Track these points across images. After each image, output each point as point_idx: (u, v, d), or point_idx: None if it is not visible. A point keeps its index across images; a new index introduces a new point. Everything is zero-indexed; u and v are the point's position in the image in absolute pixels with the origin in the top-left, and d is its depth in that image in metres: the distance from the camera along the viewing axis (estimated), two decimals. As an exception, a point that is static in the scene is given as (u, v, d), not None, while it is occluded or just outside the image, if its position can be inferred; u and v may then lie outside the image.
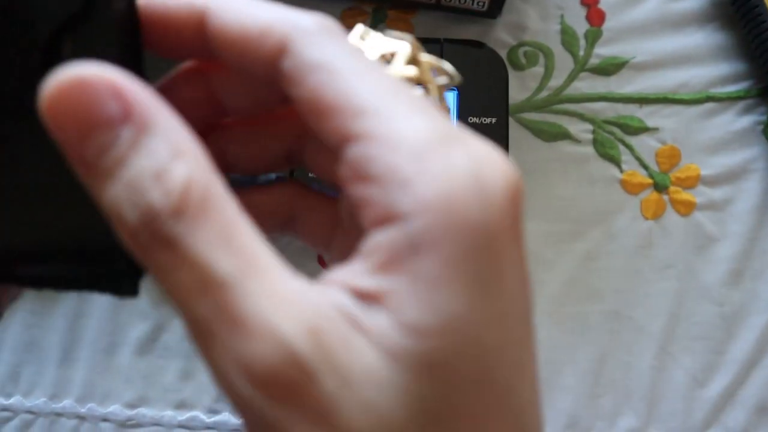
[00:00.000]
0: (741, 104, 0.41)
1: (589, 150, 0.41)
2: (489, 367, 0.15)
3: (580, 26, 0.43)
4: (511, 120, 0.41)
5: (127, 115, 0.15)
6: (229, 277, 0.15)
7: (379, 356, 0.15)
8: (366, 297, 0.16)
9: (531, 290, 0.17)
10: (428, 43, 0.39)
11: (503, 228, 0.16)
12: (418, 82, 0.21)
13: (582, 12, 0.42)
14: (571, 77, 0.42)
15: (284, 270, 0.15)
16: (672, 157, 0.41)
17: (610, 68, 0.42)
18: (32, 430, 0.40)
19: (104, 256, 0.16)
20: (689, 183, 0.41)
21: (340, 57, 0.17)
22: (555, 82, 0.42)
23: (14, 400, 0.39)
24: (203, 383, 0.39)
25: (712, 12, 0.42)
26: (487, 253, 0.15)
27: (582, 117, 0.41)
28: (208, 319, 0.15)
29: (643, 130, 0.41)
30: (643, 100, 0.42)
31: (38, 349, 0.39)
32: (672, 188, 0.41)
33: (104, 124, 0.15)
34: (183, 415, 0.40)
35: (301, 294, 0.15)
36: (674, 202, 0.41)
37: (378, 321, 0.15)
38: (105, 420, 0.40)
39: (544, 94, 0.42)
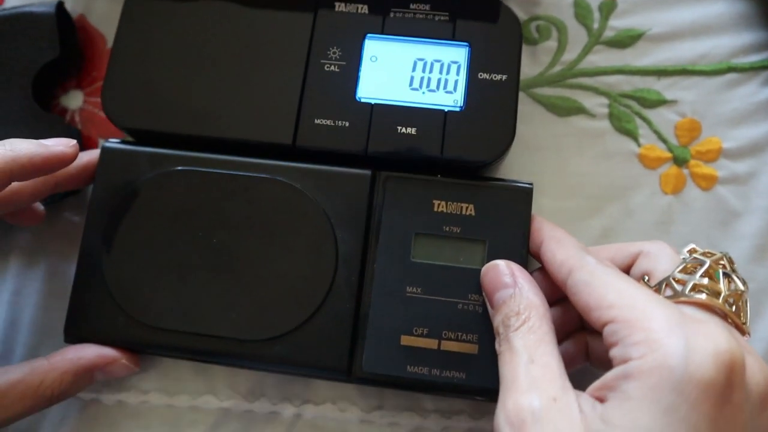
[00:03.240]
0: (765, 74, 0.48)
1: (605, 124, 0.48)
2: None
3: None
4: (523, 95, 0.49)
5: (514, 283, 0.38)
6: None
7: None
8: (596, 397, 0.32)
9: None
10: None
11: (705, 388, 0.29)
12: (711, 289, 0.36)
13: None
14: (586, 51, 0.48)
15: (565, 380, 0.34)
16: (692, 130, 0.47)
17: (625, 41, 0.48)
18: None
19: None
20: (710, 156, 0.46)
21: (602, 276, 0.36)
22: (568, 56, 0.50)
23: None
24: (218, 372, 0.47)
25: None
26: (679, 396, 0.29)
27: (597, 91, 0.47)
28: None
29: (662, 102, 0.48)
30: (660, 73, 0.48)
31: (55, 331, 0.47)
32: (692, 162, 0.46)
33: (504, 286, 0.39)
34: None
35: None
36: (695, 176, 0.46)
37: (593, 408, 0.32)
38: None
39: (557, 68, 0.48)
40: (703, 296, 0.35)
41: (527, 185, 0.43)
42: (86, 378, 0.42)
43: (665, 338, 0.31)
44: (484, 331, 0.41)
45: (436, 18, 0.46)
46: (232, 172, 0.44)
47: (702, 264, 0.37)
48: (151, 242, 0.44)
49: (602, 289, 0.35)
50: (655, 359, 0.30)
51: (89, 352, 0.42)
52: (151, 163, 0.45)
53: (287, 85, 0.46)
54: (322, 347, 0.41)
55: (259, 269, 0.43)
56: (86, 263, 0.44)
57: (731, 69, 0.49)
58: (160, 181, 0.44)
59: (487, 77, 0.45)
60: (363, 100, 0.45)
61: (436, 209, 0.42)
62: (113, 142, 0.46)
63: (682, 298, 0.35)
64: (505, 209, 0.42)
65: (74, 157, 0.42)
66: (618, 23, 0.51)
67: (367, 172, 0.44)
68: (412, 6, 0.47)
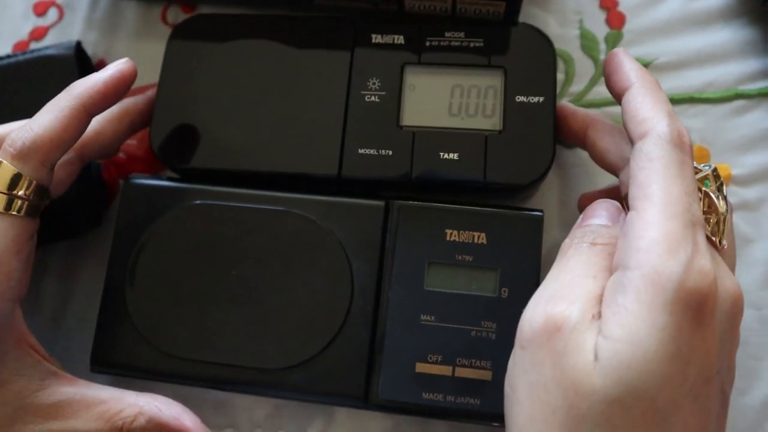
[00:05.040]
0: (772, 100, 0.49)
1: (614, 154, 0.48)
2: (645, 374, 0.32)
3: (600, 30, 0.52)
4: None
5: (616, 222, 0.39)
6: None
7: (593, 354, 0.32)
8: (593, 315, 0.34)
9: (701, 369, 0.33)
10: (476, 26, 0.50)
11: (686, 311, 0.32)
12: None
13: (601, 15, 0.52)
14: (593, 82, 0.51)
15: None
16: (700, 158, 0.50)
17: None
18: None
19: None
20: (720, 183, 0.47)
21: (665, 160, 0.35)
22: (576, 87, 0.52)
23: None
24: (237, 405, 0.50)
25: (737, 8, 0.52)
26: (670, 317, 0.32)
27: (605, 121, 0.49)
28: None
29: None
30: (668, 101, 0.48)
31: (80, 367, 0.49)
32: (702, 189, 0.47)
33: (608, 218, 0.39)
34: None
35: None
36: (705, 204, 0.47)
37: (594, 330, 0.33)
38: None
39: (565, 100, 0.50)
40: None
41: (538, 213, 0.45)
42: (156, 429, 0.44)
43: (667, 263, 0.32)
44: (498, 358, 0.43)
45: (471, 44, 0.49)
46: (249, 206, 0.47)
47: None
48: (172, 274, 0.46)
49: (653, 176, 0.35)
50: (652, 278, 0.32)
51: (172, 412, 0.43)
52: (171, 198, 0.48)
53: (330, 117, 0.48)
54: (340, 375, 0.44)
55: (277, 300, 0.45)
56: (111, 295, 0.47)
57: (738, 96, 0.52)
58: (180, 215, 0.47)
59: (525, 100, 0.47)
60: (405, 128, 0.48)
61: (448, 238, 0.45)
62: (135, 177, 0.49)
63: None
64: (516, 237, 0.44)
65: (133, 71, 0.45)
66: (625, 54, 0.53)
67: (381, 202, 0.46)
68: (446, 34, 0.49)
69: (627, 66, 0.41)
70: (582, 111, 0.46)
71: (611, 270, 0.35)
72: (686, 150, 0.36)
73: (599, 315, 0.34)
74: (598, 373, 0.32)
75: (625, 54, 0.42)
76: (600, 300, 0.34)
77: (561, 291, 0.36)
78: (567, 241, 0.39)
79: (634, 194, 0.36)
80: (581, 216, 0.41)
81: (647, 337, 0.32)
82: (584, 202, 0.48)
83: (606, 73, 0.43)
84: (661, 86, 0.40)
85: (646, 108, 0.38)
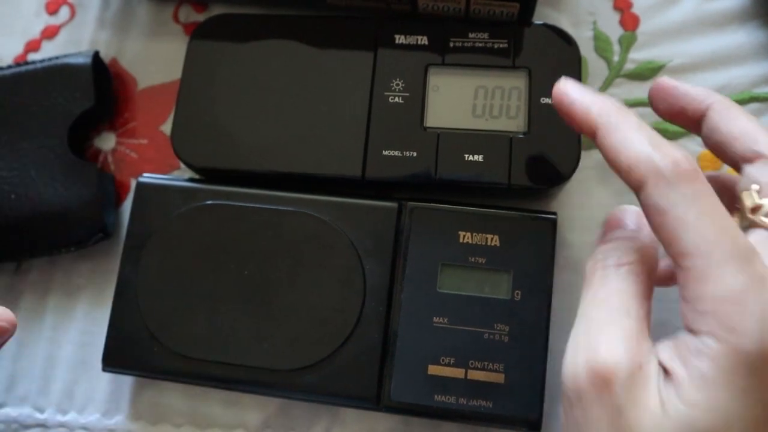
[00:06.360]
0: (787, 103, 0.49)
1: (628, 156, 0.48)
2: None
3: (614, 31, 0.52)
4: (546, 129, 0.49)
5: (638, 229, 0.38)
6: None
7: (662, 410, 0.31)
8: (665, 370, 0.32)
9: None
10: (500, 27, 0.50)
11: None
12: None
13: (615, 17, 0.52)
14: (606, 84, 0.51)
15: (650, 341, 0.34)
16: (715, 161, 0.50)
17: (646, 73, 0.51)
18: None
19: None
20: (736, 187, 0.47)
21: (679, 205, 0.32)
22: None
23: (69, 417, 0.52)
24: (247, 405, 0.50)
25: (752, 10, 0.52)
26: (755, 377, 0.29)
27: (619, 123, 0.49)
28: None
29: (684, 134, 0.51)
30: (682, 104, 0.48)
31: (91, 367, 0.51)
32: (717, 192, 0.47)
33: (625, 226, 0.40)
34: None
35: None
36: (720, 207, 0.47)
37: (666, 388, 0.31)
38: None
39: None
40: None
41: (551, 215, 0.46)
42: None
43: (740, 322, 0.29)
44: (510, 360, 0.43)
45: (495, 45, 0.49)
46: (261, 206, 0.47)
47: None
48: (184, 274, 0.47)
49: (676, 228, 0.31)
50: (728, 342, 0.29)
51: None
52: (183, 197, 0.48)
53: (353, 118, 0.49)
54: (351, 377, 0.44)
55: (289, 300, 0.46)
56: (123, 295, 0.47)
57: (753, 99, 0.51)
58: (191, 215, 0.48)
59: (549, 101, 0.47)
60: (429, 130, 0.48)
61: (461, 240, 0.45)
62: (147, 177, 0.50)
63: None
64: (529, 239, 0.45)
65: (12, 330, 0.43)
66: (638, 56, 0.53)
67: (394, 204, 0.47)
68: (470, 35, 0.50)
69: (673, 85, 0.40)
70: (694, 89, 0.40)
71: (644, 295, 0.34)
72: (690, 178, 0.32)
73: (664, 370, 0.32)
74: (671, 426, 0.30)
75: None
76: (639, 338, 0.33)
77: (597, 335, 0.33)
78: (591, 263, 0.37)
79: (670, 252, 0.32)
80: (603, 228, 0.40)
81: (730, 401, 0.30)
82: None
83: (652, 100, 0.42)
84: (632, 114, 0.37)
85: (632, 149, 0.34)
